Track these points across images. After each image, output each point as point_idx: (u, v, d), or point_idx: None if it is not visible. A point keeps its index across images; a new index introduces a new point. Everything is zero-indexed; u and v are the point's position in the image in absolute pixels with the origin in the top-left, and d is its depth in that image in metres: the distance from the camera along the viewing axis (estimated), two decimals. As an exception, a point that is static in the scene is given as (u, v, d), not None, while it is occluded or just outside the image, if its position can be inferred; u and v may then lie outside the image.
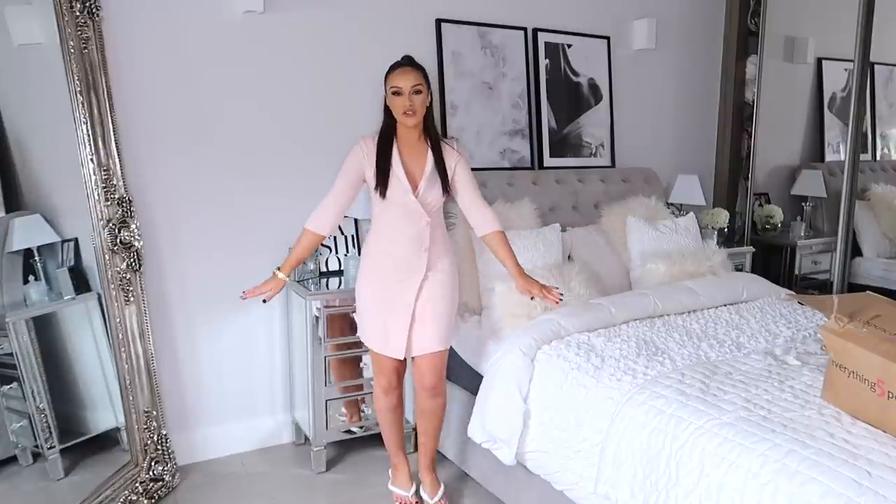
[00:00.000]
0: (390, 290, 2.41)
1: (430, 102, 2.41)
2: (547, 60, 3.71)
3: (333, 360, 2.95)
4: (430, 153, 2.39)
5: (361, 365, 3.07)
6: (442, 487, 2.67)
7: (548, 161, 3.71)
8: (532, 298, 2.44)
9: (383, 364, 2.52)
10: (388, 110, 2.38)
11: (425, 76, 2.36)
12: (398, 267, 2.40)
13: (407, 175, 2.36)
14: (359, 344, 2.99)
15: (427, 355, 2.46)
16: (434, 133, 2.43)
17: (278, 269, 2.41)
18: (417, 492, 2.69)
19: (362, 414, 3.06)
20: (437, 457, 2.71)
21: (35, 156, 2.60)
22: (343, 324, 2.96)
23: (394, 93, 2.32)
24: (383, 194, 2.35)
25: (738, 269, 3.86)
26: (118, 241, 2.63)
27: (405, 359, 2.51)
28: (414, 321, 2.42)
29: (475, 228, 2.50)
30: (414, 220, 2.37)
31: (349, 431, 3.04)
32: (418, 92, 2.31)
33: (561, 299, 2.38)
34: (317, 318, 2.88)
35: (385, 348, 2.46)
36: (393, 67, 2.37)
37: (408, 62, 2.37)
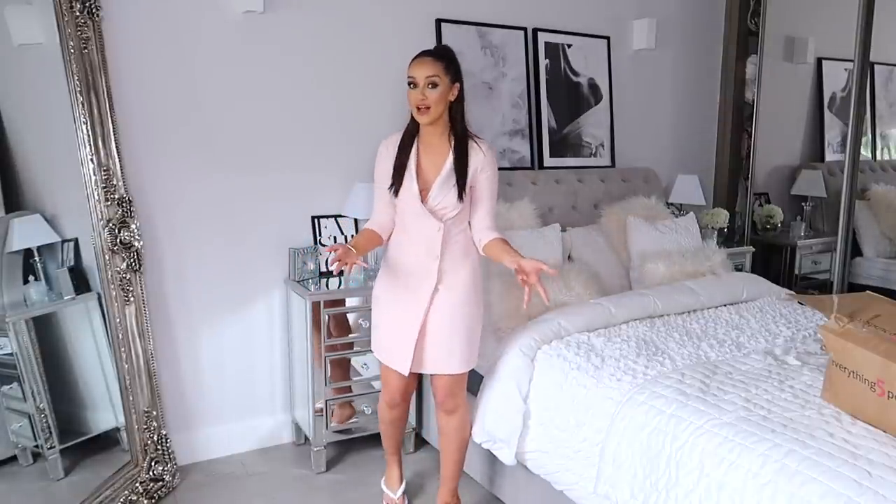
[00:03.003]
0: (400, 300, 2.30)
1: (459, 98, 2.22)
2: (547, 60, 3.71)
3: (332, 360, 2.95)
4: (450, 155, 2.23)
5: (361, 366, 3.07)
6: None
7: (548, 161, 3.71)
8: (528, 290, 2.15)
9: (389, 378, 2.40)
10: None
11: (449, 68, 2.17)
12: (409, 275, 2.28)
13: (420, 177, 2.22)
14: (354, 345, 3.00)
15: (438, 374, 2.34)
16: (460, 131, 2.22)
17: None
18: (406, 491, 2.69)
19: (355, 413, 3.07)
20: (459, 480, 2.52)
21: (35, 156, 2.60)
22: (342, 324, 2.96)
23: (409, 84, 2.16)
24: (396, 194, 2.24)
25: (738, 269, 3.86)
26: (118, 241, 2.63)
27: (418, 375, 2.42)
28: (425, 336, 2.27)
29: (476, 243, 2.34)
30: (424, 226, 2.23)
31: (345, 431, 3.03)
32: (434, 85, 2.12)
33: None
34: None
35: (391, 360, 2.34)
36: (414, 57, 2.20)
37: (430, 51, 2.21)
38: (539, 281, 2.12)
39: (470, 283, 2.31)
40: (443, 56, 2.19)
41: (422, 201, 2.23)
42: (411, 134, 2.26)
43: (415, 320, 2.27)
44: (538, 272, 2.11)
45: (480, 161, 2.24)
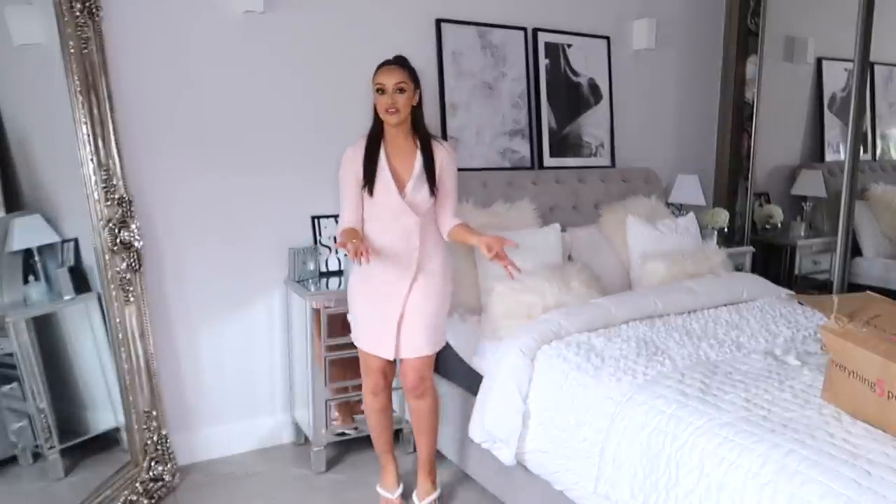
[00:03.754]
0: (381, 290, 2.43)
1: (420, 102, 2.40)
2: (547, 60, 3.71)
3: (332, 360, 2.95)
4: (418, 153, 2.40)
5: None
6: (437, 492, 2.65)
7: (548, 161, 3.71)
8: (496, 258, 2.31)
9: (371, 364, 2.52)
10: (376, 110, 2.39)
11: (412, 75, 2.36)
12: (388, 267, 2.41)
13: (394, 175, 2.37)
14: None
15: (411, 357, 2.46)
16: (423, 132, 2.42)
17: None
18: (405, 494, 2.70)
19: (354, 417, 3.06)
20: (435, 460, 2.67)
21: (35, 156, 2.60)
22: (340, 324, 2.96)
23: (377, 90, 2.33)
24: (371, 193, 2.37)
25: (738, 269, 3.86)
26: (118, 241, 2.63)
27: (394, 360, 2.51)
28: (403, 322, 2.42)
29: (441, 231, 2.50)
30: (402, 220, 2.38)
31: (342, 434, 3.03)
32: (401, 90, 2.31)
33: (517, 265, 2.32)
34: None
35: (376, 348, 2.46)
36: (379, 66, 2.38)
37: (394, 60, 2.38)
38: (504, 253, 2.31)
39: (442, 269, 2.50)
40: (406, 65, 2.38)
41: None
42: (377, 138, 2.41)
43: (396, 307, 2.41)
44: (502, 245, 2.31)
45: (445, 157, 2.44)
